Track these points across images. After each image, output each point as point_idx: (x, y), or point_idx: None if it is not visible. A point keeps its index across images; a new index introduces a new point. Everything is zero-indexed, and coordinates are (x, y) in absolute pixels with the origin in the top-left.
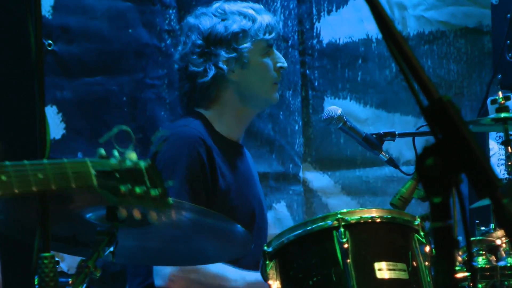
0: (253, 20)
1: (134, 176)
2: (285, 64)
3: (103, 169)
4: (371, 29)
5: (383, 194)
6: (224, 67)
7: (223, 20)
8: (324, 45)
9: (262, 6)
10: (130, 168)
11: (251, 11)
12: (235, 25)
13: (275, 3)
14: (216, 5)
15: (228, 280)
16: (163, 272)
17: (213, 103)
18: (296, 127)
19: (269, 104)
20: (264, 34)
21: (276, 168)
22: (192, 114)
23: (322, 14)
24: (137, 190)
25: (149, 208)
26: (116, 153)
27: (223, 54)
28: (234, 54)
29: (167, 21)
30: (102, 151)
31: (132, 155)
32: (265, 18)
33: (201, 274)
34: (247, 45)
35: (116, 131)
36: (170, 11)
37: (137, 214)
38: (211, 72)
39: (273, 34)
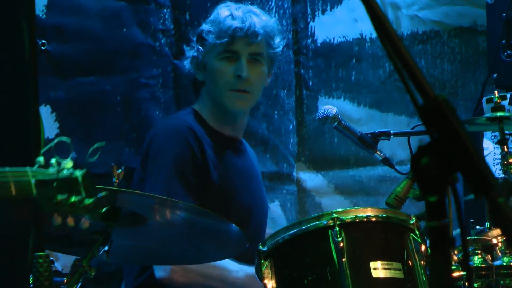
0: (218, 24)
1: (71, 185)
2: (243, 74)
3: (43, 178)
4: (365, 28)
5: (377, 194)
6: (189, 65)
7: (207, 21)
8: (319, 45)
9: (253, 10)
10: (67, 178)
11: (225, 13)
12: (203, 26)
13: (270, 3)
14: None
15: (229, 271)
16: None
17: (199, 99)
18: (290, 127)
19: (231, 111)
20: (221, 39)
21: (270, 167)
22: (186, 109)
23: (316, 13)
24: (73, 199)
25: (82, 215)
26: (53, 161)
27: (190, 52)
28: (195, 54)
29: (161, 21)
30: (41, 160)
31: (68, 164)
32: (233, 23)
33: (203, 265)
34: (201, 47)
35: (56, 142)
36: (165, 10)
37: (70, 221)
38: (187, 67)
39: (236, 38)
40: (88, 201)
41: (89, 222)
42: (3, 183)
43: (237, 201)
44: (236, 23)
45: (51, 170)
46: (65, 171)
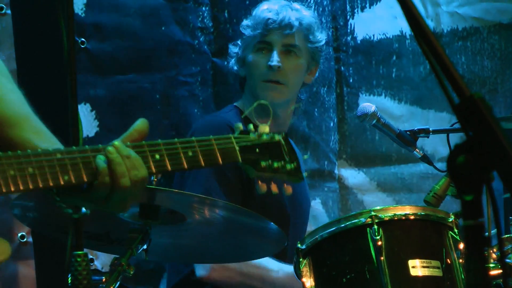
0: (254, 17)
1: (272, 150)
2: (273, 63)
3: (245, 144)
4: (405, 25)
5: (419, 191)
6: (233, 63)
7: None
8: (358, 42)
9: (292, 5)
10: (268, 142)
11: (263, 8)
12: (243, 22)
13: (309, 0)
14: None
15: (268, 270)
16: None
17: (243, 96)
18: (331, 124)
19: (268, 103)
20: (255, 31)
21: (311, 165)
22: (228, 107)
23: (355, 10)
24: (275, 164)
25: (284, 181)
26: (251, 127)
27: (233, 50)
28: (236, 50)
29: (200, 18)
30: (241, 126)
31: (265, 128)
32: (268, 15)
33: (243, 264)
34: (240, 42)
35: (255, 105)
36: (203, 8)
37: (274, 188)
38: (231, 65)
39: (270, 30)
40: (290, 165)
41: (291, 188)
42: (209, 151)
43: (277, 202)
44: (270, 15)
45: (252, 135)
46: (264, 136)
